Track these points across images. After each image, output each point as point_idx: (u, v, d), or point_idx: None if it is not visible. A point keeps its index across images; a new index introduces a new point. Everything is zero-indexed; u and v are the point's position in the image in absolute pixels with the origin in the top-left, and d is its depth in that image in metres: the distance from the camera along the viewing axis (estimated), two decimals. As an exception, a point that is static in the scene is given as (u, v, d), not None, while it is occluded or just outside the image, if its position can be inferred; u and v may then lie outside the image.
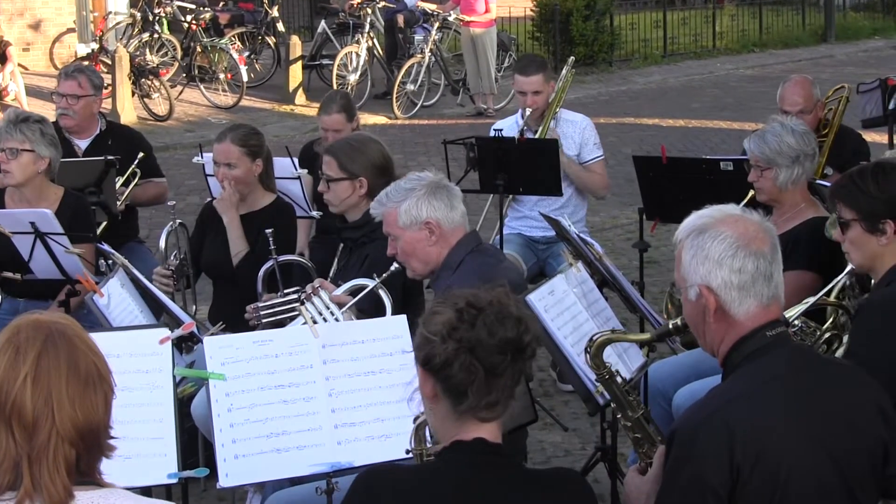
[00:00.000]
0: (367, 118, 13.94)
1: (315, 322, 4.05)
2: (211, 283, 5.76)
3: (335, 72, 15.32)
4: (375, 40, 16.00)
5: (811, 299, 4.34)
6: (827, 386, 2.86)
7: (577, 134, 6.75)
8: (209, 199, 5.84)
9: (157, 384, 3.72)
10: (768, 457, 2.69)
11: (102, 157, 6.14)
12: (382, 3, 16.41)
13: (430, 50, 15.45)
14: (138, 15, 16.20)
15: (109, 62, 14.70)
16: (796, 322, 4.30)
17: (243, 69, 15.06)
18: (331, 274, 4.94)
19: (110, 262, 5.49)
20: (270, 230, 5.07)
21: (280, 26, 17.36)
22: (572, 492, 2.74)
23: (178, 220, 5.72)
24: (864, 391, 2.91)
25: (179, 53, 15.96)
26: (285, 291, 4.93)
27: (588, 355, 3.25)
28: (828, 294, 4.37)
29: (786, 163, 4.91)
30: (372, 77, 15.98)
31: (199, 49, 15.75)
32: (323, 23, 16.76)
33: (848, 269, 4.23)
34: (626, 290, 4.75)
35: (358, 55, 15.50)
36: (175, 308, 4.71)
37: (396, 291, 4.45)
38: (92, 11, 17.56)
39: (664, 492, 2.81)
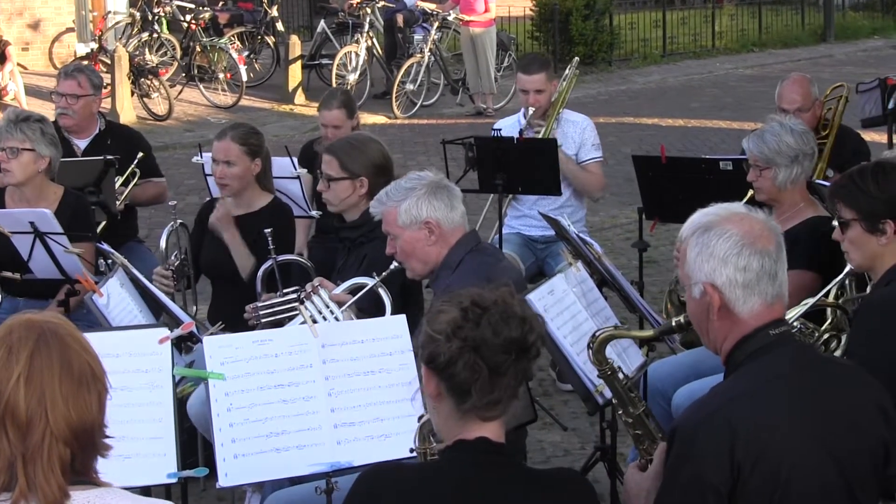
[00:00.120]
0: (367, 118, 13.94)
1: (315, 321, 4.05)
2: (210, 283, 5.76)
3: (334, 71, 15.32)
4: (375, 40, 16.00)
5: (810, 300, 4.34)
6: (829, 385, 2.86)
7: (577, 134, 6.75)
8: (208, 199, 5.84)
9: (156, 384, 3.72)
10: (769, 456, 2.69)
11: (102, 157, 6.14)
12: (382, 3, 16.41)
13: (430, 49, 15.45)
14: (137, 14, 16.19)
15: (109, 62, 14.70)
16: (795, 324, 4.30)
17: (243, 69, 15.06)
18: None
19: (110, 261, 5.49)
20: (269, 230, 5.06)
21: (279, 26, 17.35)
22: (573, 492, 2.74)
23: (179, 221, 5.72)
24: (866, 391, 2.91)
25: (179, 53, 15.95)
26: (284, 291, 4.93)
27: (591, 351, 3.26)
28: (827, 295, 4.37)
29: (785, 162, 4.91)
30: (371, 77, 15.98)
31: (198, 49, 15.75)
32: (322, 22, 16.76)
33: (847, 269, 4.23)
34: (626, 290, 4.75)
35: (357, 55, 15.50)
36: (174, 308, 4.71)
37: (395, 291, 4.44)
38: (91, 11, 17.55)
39: (664, 489, 2.81)
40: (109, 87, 13.44)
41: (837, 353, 4.26)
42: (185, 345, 4.35)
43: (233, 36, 16.29)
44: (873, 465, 2.83)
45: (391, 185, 4.36)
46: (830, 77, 13.97)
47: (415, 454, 3.05)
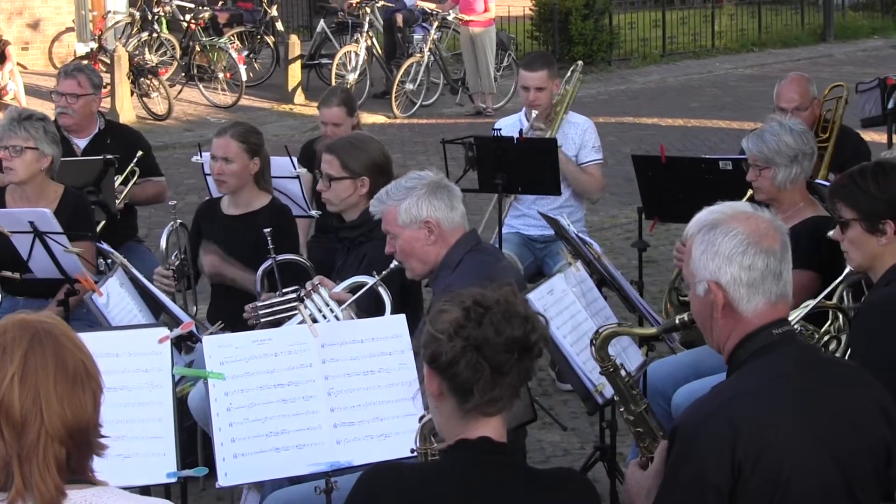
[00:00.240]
0: (366, 117, 13.92)
1: (315, 321, 4.05)
2: (210, 283, 5.75)
3: (334, 71, 15.32)
4: (374, 39, 16.00)
5: (811, 302, 4.34)
6: (831, 385, 2.86)
7: (577, 136, 6.74)
8: (207, 199, 5.84)
9: (156, 383, 3.72)
10: (770, 455, 2.69)
11: (101, 157, 6.14)
12: (381, 3, 16.41)
13: (429, 49, 15.45)
14: (137, 14, 16.18)
15: (108, 61, 14.69)
16: (795, 326, 4.30)
17: (242, 68, 15.06)
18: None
19: (109, 261, 5.49)
20: (269, 229, 5.05)
21: (279, 25, 17.35)
22: (573, 491, 2.74)
23: (179, 221, 5.72)
24: (868, 391, 2.90)
25: (178, 53, 15.95)
26: (284, 291, 4.93)
27: (594, 348, 3.25)
28: (827, 297, 4.36)
29: (784, 162, 4.91)
30: (371, 76, 15.98)
31: (198, 48, 15.75)
32: (322, 22, 16.76)
33: (847, 270, 4.23)
34: (625, 290, 4.75)
35: (357, 54, 15.50)
36: (174, 307, 4.71)
37: (395, 290, 4.44)
38: (91, 10, 17.55)
39: (665, 488, 2.81)
40: (109, 87, 13.44)
41: (837, 355, 4.26)
42: (184, 344, 4.35)
43: (232, 35, 16.28)
44: (874, 466, 2.82)
45: (392, 185, 4.35)
46: (830, 77, 13.97)
47: (415, 454, 3.05)
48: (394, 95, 15.18)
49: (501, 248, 5.90)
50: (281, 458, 3.65)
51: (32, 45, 17.00)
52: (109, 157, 6.12)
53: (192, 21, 16.02)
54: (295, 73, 15.74)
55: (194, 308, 5.85)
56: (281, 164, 5.84)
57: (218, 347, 3.76)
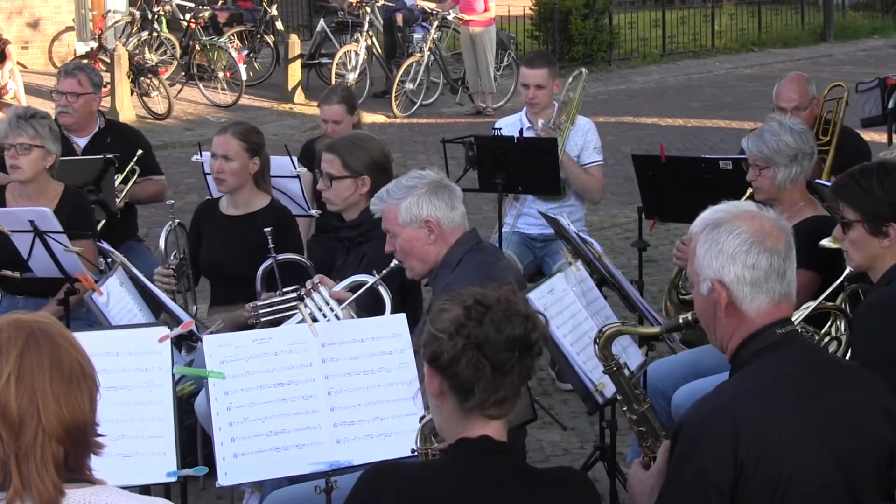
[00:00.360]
0: (366, 117, 13.90)
1: (315, 320, 4.05)
2: (210, 282, 5.75)
3: (334, 70, 15.32)
4: (374, 39, 16.00)
5: (812, 304, 4.34)
6: (832, 385, 2.86)
7: (579, 137, 6.74)
8: (206, 199, 5.84)
9: (156, 382, 3.72)
10: (772, 454, 2.69)
11: (101, 156, 6.14)
12: (381, 2, 16.41)
13: (429, 49, 15.45)
14: (137, 13, 16.19)
15: (108, 60, 14.69)
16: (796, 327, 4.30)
17: (242, 68, 15.06)
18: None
19: (109, 260, 5.49)
20: (269, 229, 5.05)
21: (279, 25, 17.35)
22: (574, 491, 2.74)
23: (177, 220, 5.72)
24: (869, 391, 2.90)
25: (178, 52, 15.95)
26: (284, 290, 4.92)
27: (597, 347, 3.25)
28: (827, 298, 4.36)
29: (784, 162, 4.90)
30: (371, 76, 15.98)
31: (197, 47, 15.75)
32: (322, 21, 16.75)
33: (847, 271, 4.23)
34: (625, 289, 4.75)
35: (357, 54, 15.50)
36: (174, 306, 4.71)
37: (395, 289, 4.44)
38: (91, 10, 17.55)
39: (667, 487, 2.81)
40: (109, 86, 13.44)
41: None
42: (186, 344, 4.35)
43: (232, 35, 16.28)
44: (875, 466, 2.82)
45: (392, 183, 4.35)
46: (830, 77, 13.98)
47: (416, 454, 3.05)
48: (394, 95, 15.17)
49: (501, 248, 5.90)
50: (281, 458, 3.65)
51: (32, 44, 17.00)
52: (109, 156, 6.12)
53: (192, 20, 16.02)
54: (295, 72, 15.74)
55: (194, 307, 5.85)
56: (281, 164, 5.84)
57: (218, 347, 3.76)
